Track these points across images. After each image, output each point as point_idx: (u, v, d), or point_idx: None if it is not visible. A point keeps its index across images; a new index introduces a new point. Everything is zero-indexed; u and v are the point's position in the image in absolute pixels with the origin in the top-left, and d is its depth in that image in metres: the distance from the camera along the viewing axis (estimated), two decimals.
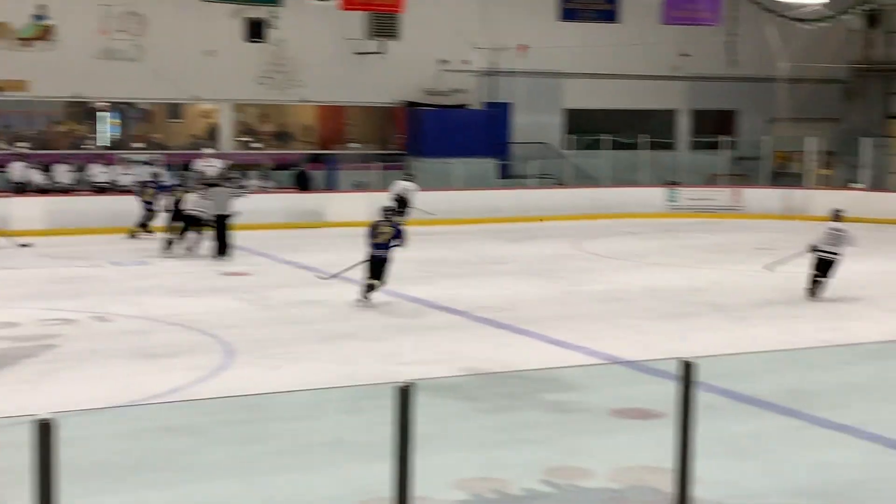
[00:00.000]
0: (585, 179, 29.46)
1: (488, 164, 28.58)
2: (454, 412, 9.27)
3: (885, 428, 8.19)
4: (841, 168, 30.75)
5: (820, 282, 15.43)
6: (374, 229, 15.09)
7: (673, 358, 5.17)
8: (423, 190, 25.02)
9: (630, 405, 9.39)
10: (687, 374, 4.74)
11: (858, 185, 28.36)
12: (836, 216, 15.80)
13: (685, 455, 4.81)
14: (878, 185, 28.99)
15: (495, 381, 10.72)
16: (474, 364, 11.57)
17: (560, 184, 29.32)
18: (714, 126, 32.45)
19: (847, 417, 9.17)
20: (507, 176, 29.06)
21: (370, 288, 14.78)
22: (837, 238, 15.45)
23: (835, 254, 15.40)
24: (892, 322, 14.26)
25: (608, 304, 15.49)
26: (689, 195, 28.55)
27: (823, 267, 15.44)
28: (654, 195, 28.43)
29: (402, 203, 23.87)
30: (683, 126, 32.68)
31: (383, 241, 14.92)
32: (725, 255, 21.06)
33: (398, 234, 14.99)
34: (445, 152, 27.70)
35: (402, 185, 24.60)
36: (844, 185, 29.04)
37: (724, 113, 33.00)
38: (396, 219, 15.50)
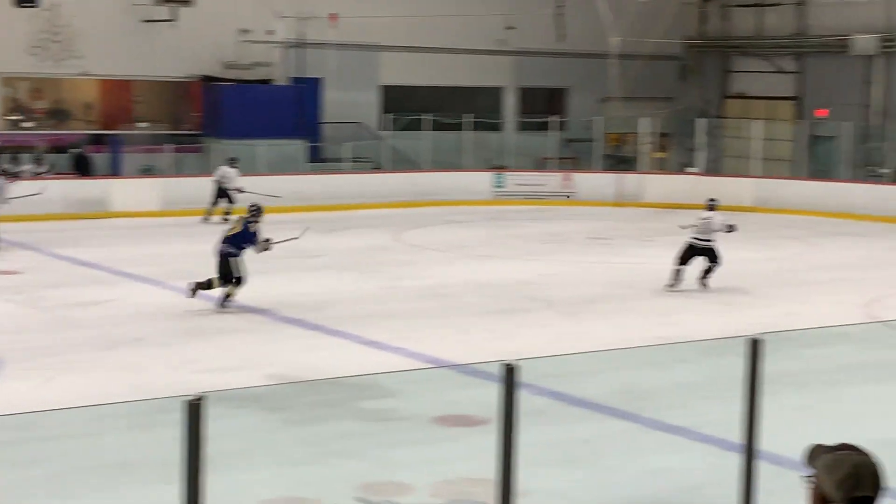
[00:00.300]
0: (405, 163, 29.66)
1: (296, 147, 28.42)
2: (259, 425, 9.23)
3: (721, 429, 8.54)
4: (676, 151, 31.87)
5: (680, 271, 16.49)
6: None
7: (498, 360, 5.26)
8: None
9: (453, 412, 9.55)
10: (509, 378, 4.83)
11: (693, 170, 29.46)
12: (711, 206, 17.01)
13: (508, 465, 4.91)
14: (714, 170, 30.18)
15: (305, 388, 10.72)
16: (281, 370, 11.54)
17: (377, 168, 29.42)
18: (543, 105, 33.14)
19: (681, 419, 9.56)
20: (318, 159, 28.97)
21: (205, 286, 14.40)
22: (706, 226, 16.68)
23: (707, 241, 16.58)
24: (729, 315, 14.90)
25: (430, 300, 15.66)
26: (516, 180, 29.09)
27: (690, 256, 16.54)
28: (479, 180, 28.84)
29: (221, 192, 23.60)
30: (510, 105, 33.25)
31: (227, 235, 14.74)
32: (556, 245, 21.58)
33: (244, 233, 14.70)
34: (248, 133, 27.39)
35: (221, 171, 24.24)
36: (680, 169, 30.11)
37: (554, 91, 33.73)
38: (255, 217, 15.07)
